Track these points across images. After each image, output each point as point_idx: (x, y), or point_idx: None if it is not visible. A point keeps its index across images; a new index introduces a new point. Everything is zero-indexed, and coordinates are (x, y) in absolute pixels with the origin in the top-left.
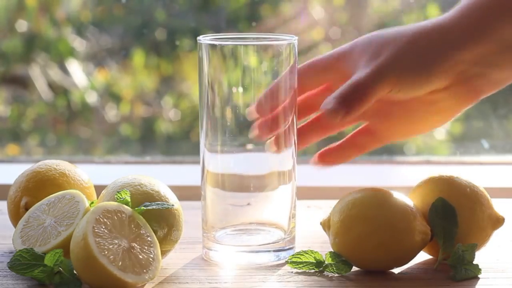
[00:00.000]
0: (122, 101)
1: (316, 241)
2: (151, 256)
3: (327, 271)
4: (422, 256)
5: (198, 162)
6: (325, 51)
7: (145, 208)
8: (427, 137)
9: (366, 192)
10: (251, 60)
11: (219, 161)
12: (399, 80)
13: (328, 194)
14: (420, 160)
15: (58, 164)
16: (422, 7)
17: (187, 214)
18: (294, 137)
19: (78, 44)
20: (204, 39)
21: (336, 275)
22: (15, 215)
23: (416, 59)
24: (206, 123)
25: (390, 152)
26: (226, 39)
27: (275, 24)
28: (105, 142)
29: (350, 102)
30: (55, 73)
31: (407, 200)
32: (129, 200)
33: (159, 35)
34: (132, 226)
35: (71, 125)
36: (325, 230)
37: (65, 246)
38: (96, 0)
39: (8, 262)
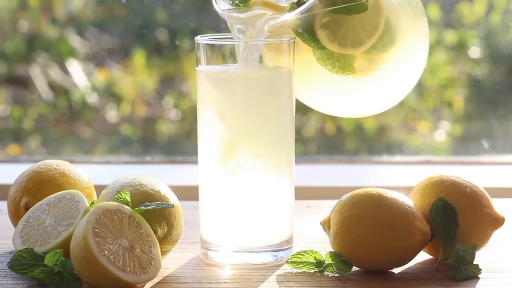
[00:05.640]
0: (122, 101)
1: (316, 241)
2: (151, 256)
3: (327, 271)
4: (422, 256)
5: (198, 162)
6: None
7: (145, 208)
8: (427, 137)
9: (366, 192)
10: None
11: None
12: None
13: (328, 194)
14: (420, 160)
15: (58, 164)
16: None
17: (187, 214)
18: (293, 137)
19: (79, 44)
20: (202, 39)
21: (336, 275)
22: (15, 215)
23: None
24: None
25: (390, 152)
26: (224, 39)
27: None
28: (105, 142)
29: None
30: (55, 73)
31: (407, 200)
32: (129, 200)
33: (159, 35)
34: (132, 226)
35: (72, 125)
36: (325, 230)
37: (65, 246)
38: (97, 0)
39: (8, 262)
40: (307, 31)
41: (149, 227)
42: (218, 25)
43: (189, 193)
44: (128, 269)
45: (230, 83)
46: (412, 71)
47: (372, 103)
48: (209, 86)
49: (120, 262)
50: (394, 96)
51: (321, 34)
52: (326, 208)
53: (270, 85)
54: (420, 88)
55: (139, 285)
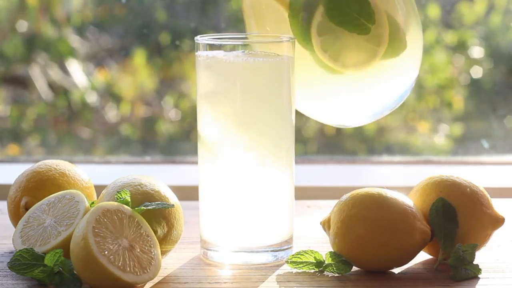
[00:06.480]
0: (122, 101)
1: (316, 241)
2: (151, 256)
3: (327, 271)
4: (422, 256)
5: (197, 162)
6: None
7: (145, 208)
8: (427, 137)
9: (366, 192)
10: None
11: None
12: None
13: (328, 194)
14: (420, 160)
15: (58, 164)
16: (422, 7)
17: (187, 214)
18: (293, 137)
19: (78, 44)
20: (202, 39)
21: (336, 275)
22: (15, 215)
23: None
24: None
25: (390, 152)
26: (224, 39)
27: None
28: (105, 142)
29: None
30: (55, 73)
31: (407, 200)
32: (129, 200)
33: (159, 35)
34: (132, 226)
35: (71, 125)
36: (325, 230)
37: (65, 246)
38: (97, 0)
39: (8, 262)
40: (303, 32)
41: (149, 227)
42: (218, 25)
43: (189, 193)
44: (128, 269)
45: (229, 68)
46: (403, 83)
47: (357, 111)
48: (207, 72)
49: (120, 262)
50: (381, 106)
51: (316, 38)
52: (326, 208)
53: (270, 71)
54: (420, 88)
55: (139, 285)
